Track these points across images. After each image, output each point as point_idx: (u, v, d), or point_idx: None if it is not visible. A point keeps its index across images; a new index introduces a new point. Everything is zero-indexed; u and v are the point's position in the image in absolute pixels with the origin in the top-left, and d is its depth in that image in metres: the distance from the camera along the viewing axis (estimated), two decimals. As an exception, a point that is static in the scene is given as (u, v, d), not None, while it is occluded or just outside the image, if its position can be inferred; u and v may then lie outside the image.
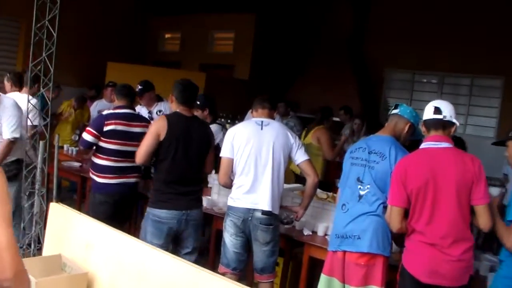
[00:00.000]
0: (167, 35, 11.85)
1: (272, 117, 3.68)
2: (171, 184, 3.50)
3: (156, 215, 3.48)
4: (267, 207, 3.44)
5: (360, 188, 3.06)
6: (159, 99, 5.87)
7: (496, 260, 3.18)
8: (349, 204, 3.08)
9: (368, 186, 3.03)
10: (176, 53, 11.19)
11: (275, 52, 9.89)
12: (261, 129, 3.54)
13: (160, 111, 5.53)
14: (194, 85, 3.72)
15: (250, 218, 3.44)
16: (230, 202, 3.55)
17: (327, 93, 8.89)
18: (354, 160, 3.15)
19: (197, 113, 4.87)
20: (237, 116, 7.65)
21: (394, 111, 3.20)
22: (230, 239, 3.51)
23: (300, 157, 3.58)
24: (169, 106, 5.52)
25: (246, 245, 3.54)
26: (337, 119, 7.39)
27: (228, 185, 3.60)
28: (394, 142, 3.09)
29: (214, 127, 4.88)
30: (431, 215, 2.73)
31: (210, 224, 4.49)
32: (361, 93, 9.16)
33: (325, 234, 3.83)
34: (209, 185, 4.69)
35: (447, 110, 2.84)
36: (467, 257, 2.73)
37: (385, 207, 2.97)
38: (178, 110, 3.59)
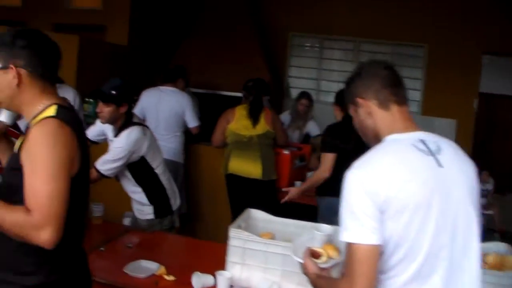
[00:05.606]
0: (1, -15, 9.00)
1: None
2: None
3: None
4: None
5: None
6: None
7: None
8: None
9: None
10: (18, 10, 8.46)
11: (160, 9, 7.78)
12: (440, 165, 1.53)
13: None
14: None
15: None
16: None
17: (222, 63, 7.11)
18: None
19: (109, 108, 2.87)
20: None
21: None
22: None
23: None
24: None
25: None
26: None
27: None
28: None
29: (135, 131, 2.96)
30: None
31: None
32: (268, 63, 7.54)
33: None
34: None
35: None
36: None
37: None
38: None
